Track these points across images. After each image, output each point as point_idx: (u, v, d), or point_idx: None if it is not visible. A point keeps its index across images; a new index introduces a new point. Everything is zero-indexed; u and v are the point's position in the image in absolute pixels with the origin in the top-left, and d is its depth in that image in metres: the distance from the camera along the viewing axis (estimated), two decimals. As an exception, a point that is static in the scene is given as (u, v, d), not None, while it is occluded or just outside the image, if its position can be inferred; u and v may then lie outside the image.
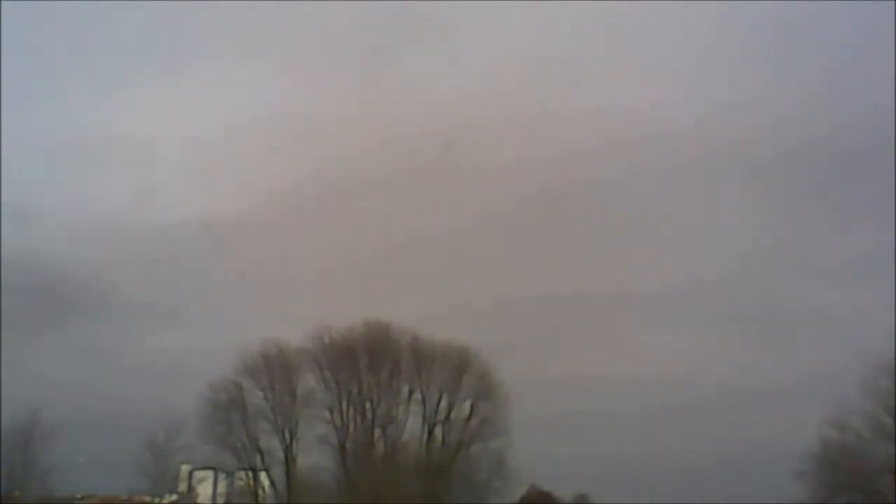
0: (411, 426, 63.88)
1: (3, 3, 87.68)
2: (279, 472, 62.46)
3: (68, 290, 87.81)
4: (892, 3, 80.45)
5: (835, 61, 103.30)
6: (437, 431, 64.01)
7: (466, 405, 64.21)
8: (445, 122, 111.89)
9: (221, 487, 68.53)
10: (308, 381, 63.54)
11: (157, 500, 66.41)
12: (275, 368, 62.93)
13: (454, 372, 64.19)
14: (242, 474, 63.81)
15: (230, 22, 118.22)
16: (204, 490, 70.45)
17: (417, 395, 64.02)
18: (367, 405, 63.33)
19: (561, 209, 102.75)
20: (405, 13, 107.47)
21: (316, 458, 63.22)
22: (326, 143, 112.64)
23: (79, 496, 66.72)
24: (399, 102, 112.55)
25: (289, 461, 62.20)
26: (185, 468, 68.13)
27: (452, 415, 64.09)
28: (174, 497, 68.24)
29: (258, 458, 62.25)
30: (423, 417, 63.83)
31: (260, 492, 63.22)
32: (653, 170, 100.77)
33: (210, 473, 68.76)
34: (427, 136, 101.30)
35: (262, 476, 63.04)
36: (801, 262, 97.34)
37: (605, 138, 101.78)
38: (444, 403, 64.04)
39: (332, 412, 62.88)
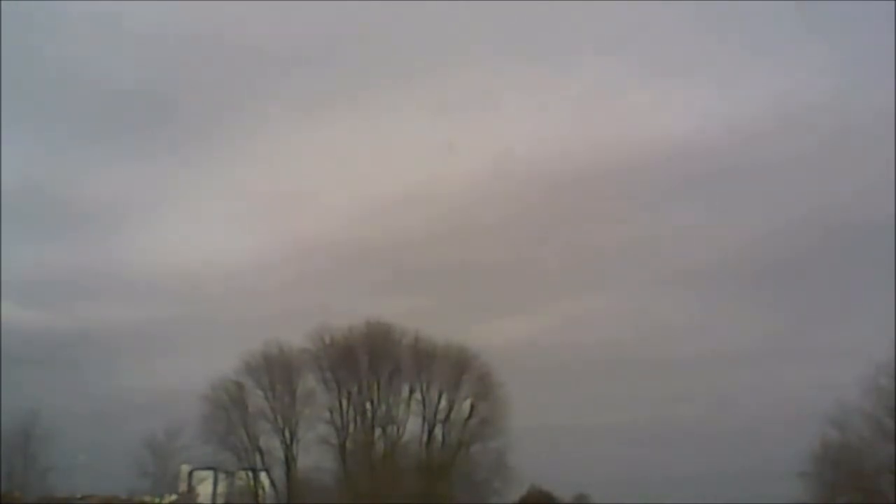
0: (411, 426, 64.09)
1: None
2: (279, 472, 62.65)
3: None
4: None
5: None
6: (437, 431, 64.21)
7: (466, 405, 64.36)
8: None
9: (221, 487, 68.29)
10: (308, 381, 63.73)
11: (157, 500, 66.32)
12: (275, 368, 62.96)
13: (454, 372, 64.23)
14: (242, 474, 63.77)
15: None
16: (204, 490, 70.23)
17: (417, 395, 64.20)
18: (367, 405, 63.38)
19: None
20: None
21: (316, 458, 63.38)
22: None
23: (79, 496, 66.56)
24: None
25: (289, 461, 62.28)
26: (185, 468, 68.04)
27: (452, 415, 64.23)
28: (174, 497, 68.17)
29: (258, 458, 62.34)
30: (423, 417, 64.05)
31: (260, 492, 63.21)
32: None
33: (210, 473, 68.56)
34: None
35: (262, 476, 63.09)
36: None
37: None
38: (443, 403, 64.26)
39: (332, 412, 63.05)
